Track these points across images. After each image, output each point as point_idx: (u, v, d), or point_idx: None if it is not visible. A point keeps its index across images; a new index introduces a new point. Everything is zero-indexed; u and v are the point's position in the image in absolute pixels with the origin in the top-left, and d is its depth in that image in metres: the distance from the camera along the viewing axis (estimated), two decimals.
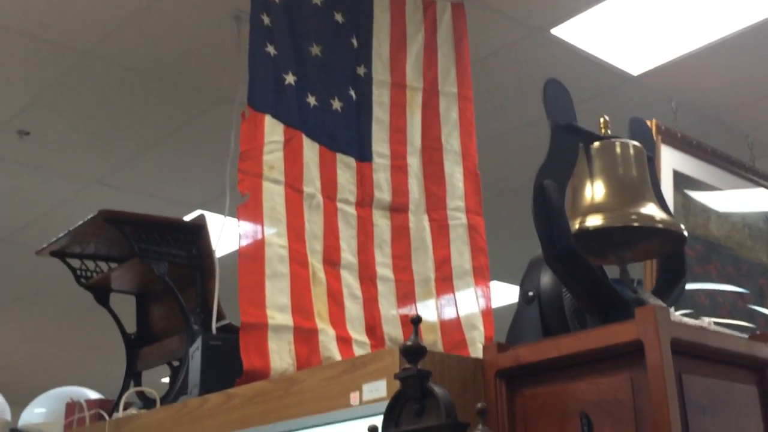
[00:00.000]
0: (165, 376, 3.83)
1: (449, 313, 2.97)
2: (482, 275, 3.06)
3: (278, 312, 2.54)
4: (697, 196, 3.62)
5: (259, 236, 2.60)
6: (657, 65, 4.21)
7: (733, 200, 3.82)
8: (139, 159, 5.02)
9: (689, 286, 2.62)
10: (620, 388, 1.77)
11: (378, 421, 1.73)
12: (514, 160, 4.90)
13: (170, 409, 2.57)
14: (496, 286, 3.25)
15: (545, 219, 1.93)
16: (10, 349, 7.61)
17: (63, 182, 5.23)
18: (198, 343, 2.60)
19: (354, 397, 1.97)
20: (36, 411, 4.29)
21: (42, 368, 6.76)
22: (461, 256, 3.05)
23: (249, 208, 2.62)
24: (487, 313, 3.03)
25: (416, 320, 1.66)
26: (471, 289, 3.02)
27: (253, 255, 2.58)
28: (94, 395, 4.21)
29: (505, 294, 5.64)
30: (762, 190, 4.00)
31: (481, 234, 3.12)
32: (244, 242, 2.59)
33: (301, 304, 2.59)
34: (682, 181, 3.54)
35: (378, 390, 1.92)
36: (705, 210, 3.66)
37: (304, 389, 2.12)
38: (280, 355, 2.49)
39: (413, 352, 1.62)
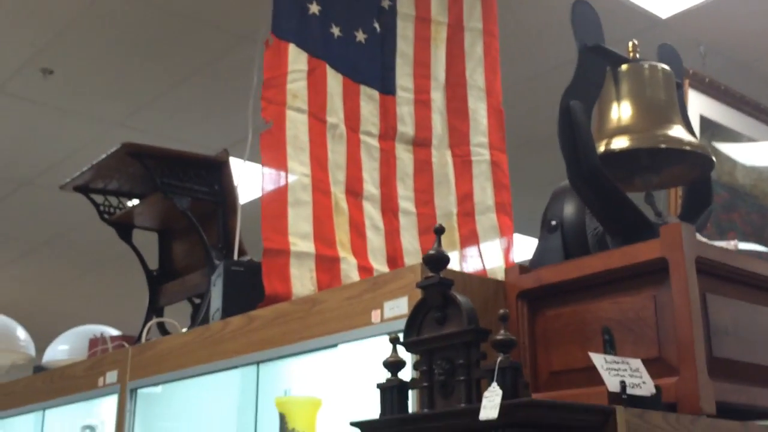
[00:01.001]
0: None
1: (471, 249, 2.97)
2: (504, 211, 3.05)
3: (300, 239, 2.54)
4: (724, 142, 3.57)
5: (283, 164, 2.60)
6: (686, 8, 4.14)
7: (761, 149, 3.77)
8: (161, 101, 5.02)
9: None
10: (643, 306, 1.76)
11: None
12: (539, 107, 4.85)
13: (192, 334, 2.59)
14: (517, 238, 3.22)
15: (571, 139, 1.91)
16: (34, 293, 7.69)
17: (85, 124, 5.24)
18: (220, 269, 2.61)
19: (375, 315, 1.98)
20: (59, 348, 4.33)
21: (65, 310, 6.83)
22: (484, 191, 3.03)
23: (273, 136, 2.62)
24: (508, 249, 3.02)
25: (439, 230, 1.66)
26: (493, 225, 3.01)
27: (276, 182, 2.58)
28: (116, 333, 4.26)
29: (526, 246, 5.62)
30: None
31: (504, 170, 3.10)
32: (268, 170, 2.59)
33: (323, 232, 2.59)
34: (708, 126, 3.49)
35: (399, 307, 1.92)
36: (731, 157, 3.62)
37: (325, 309, 2.12)
38: (302, 281, 2.49)
39: (436, 260, 1.62)
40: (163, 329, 3.66)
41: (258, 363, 2.32)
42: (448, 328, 1.57)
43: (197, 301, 3.73)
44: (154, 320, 3.39)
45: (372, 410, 1.73)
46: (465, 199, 3.01)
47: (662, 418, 1.55)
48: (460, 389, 1.53)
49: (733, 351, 1.73)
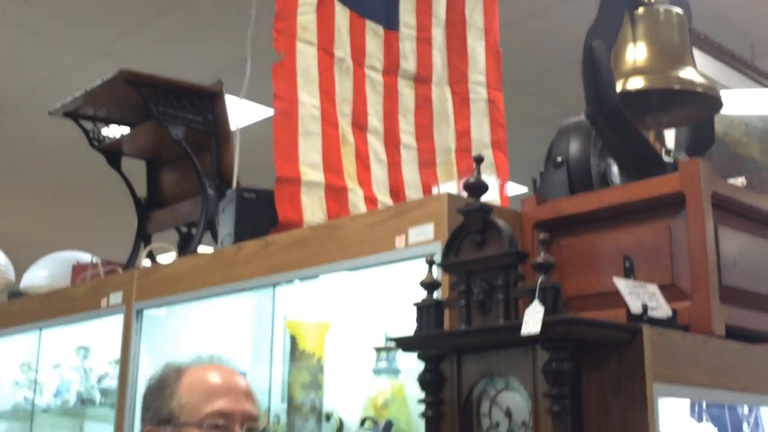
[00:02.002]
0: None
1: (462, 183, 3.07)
2: (500, 149, 3.15)
3: (311, 168, 2.61)
4: None
5: (293, 95, 2.65)
6: None
7: (734, 97, 3.92)
8: (142, 29, 4.97)
9: None
10: (658, 235, 1.89)
11: (424, 264, 1.82)
12: (533, 47, 4.92)
13: (203, 257, 2.66)
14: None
15: (593, 78, 2.01)
16: (14, 218, 7.54)
17: (62, 50, 5.17)
18: (231, 196, 2.67)
19: (399, 240, 2.07)
20: (39, 273, 4.34)
21: (40, 238, 6.74)
22: (480, 129, 3.13)
23: (284, 68, 2.67)
24: (503, 186, 3.13)
25: (479, 159, 1.74)
26: (489, 162, 3.11)
27: (287, 113, 2.64)
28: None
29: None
30: (762, 89, 4.09)
31: (500, 109, 3.19)
32: (279, 100, 2.64)
33: (332, 163, 2.67)
34: None
35: (425, 233, 2.01)
36: None
37: (346, 235, 2.21)
38: (313, 209, 2.58)
39: (476, 187, 1.71)
40: (151, 257, 3.71)
41: (274, 286, 2.40)
42: (488, 251, 1.67)
43: (184, 229, 3.79)
44: (153, 245, 3.43)
45: (392, 333, 1.84)
46: (463, 135, 3.10)
47: (680, 338, 1.69)
48: (498, 308, 1.64)
49: (741, 280, 1.87)
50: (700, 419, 2.17)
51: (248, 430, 1.46)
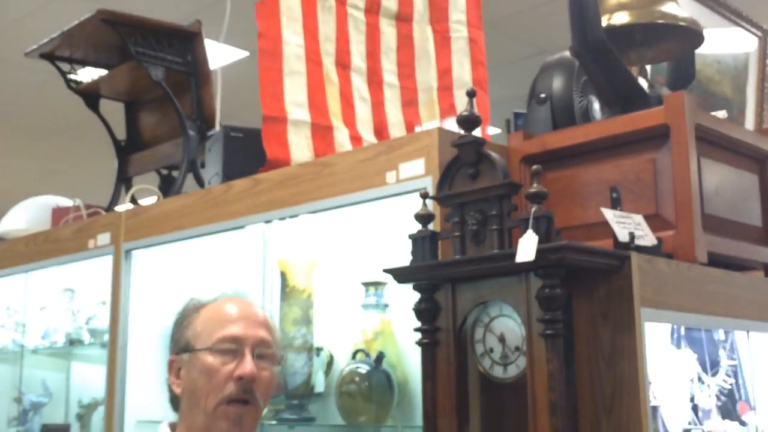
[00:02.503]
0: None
1: (450, 122, 3.10)
2: (481, 87, 3.18)
3: (296, 107, 2.63)
4: None
5: (277, 33, 2.66)
6: None
7: (707, 35, 3.96)
8: None
9: None
10: (642, 168, 1.94)
11: (414, 198, 1.87)
12: None
13: (192, 196, 2.68)
14: None
15: (579, 12, 2.04)
16: None
17: None
18: (218, 135, 2.68)
19: (390, 176, 2.11)
20: (18, 218, 4.31)
21: (22, 185, 6.66)
22: (462, 67, 3.15)
23: (267, 6, 2.66)
24: (484, 124, 3.17)
25: (471, 93, 1.78)
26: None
27: (271, 52, 2.64)
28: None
29: None
30: (734, 27, 4.14)
31: (480, 47, 3.21)
32: (263, 39, 2.64)
33: (317, 102, 2.69)
34: None
35: (416, 168, 2.05)
36: None
37: (337, 171, 2.24)
38: (300, 148, 2.60)
39: (469, 120, 1.75)
40: (133, 201, 3.71)
41: (264, 223, 2.43)
42: (482, 183, 1.71)
43: (164, 172, 3.80)
44: (136, 187, 3.44)
45: (382, 268, 1.88)
46: (444, 74, 3.12)
47: (665, 264, 1.76)
48: (492, 237, 1.70)
49: (722, 210, 1.94)
50: (678, 346, 2.26)
51: (260, 355, 1.50)
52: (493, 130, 5.55)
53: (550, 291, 1.59)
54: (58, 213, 3.82)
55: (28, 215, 4.23)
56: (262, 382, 1.50)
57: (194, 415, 1.50)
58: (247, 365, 1.47)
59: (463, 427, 1.74)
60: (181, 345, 1.55)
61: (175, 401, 1.60)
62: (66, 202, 4.01)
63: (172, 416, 2.73)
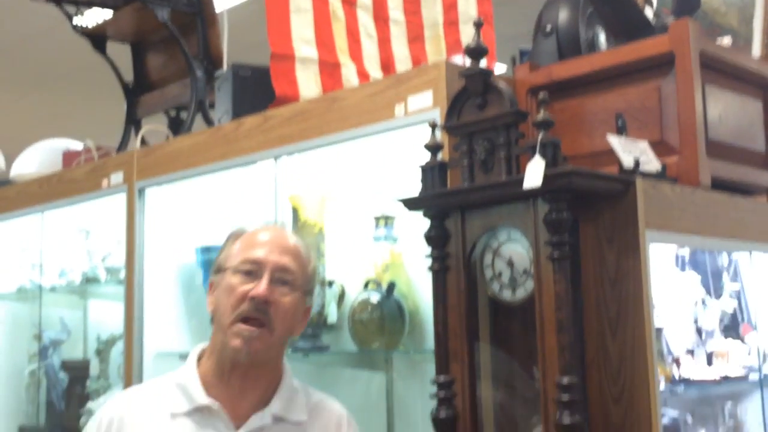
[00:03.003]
0: None
1: (457, 58, 3.12)
2: (487, 21, 3.18)
3: (304, 44, 2.65)
4: None
5: None
6: None
7: None
8: None
9: None
10: (648, 96, 1.98)
11: (423, 131, 1.90)
12: None
13: (203, 134, 2.72)
14: None
15: None
16: None
17: None
18: (227, 74, 2.71)
19: (399, 109, 2.14)
20: (29, 162, 4.36)
21: (31, 130, 6.67)
22: (467, 2, 3.16)
23: None
24: (490, 58, 3.18)
25: (478, 23, 1.80)
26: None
27: None
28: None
29: None
30: None
31: None
32: None
33: (324, 39, 2.71)
34: None
35: (424, 101, 2.09)
36: None
37: (346, 106, 2.27)
38: (308, 84, 2.63)
39: (477, 50, 1.77)
40: (143, 142, 3.75)
41: (275, 159, 2.47)
42: (489, 112, 1.75)
43: (173, 113, 3.83)
44: (146, 127, 3.47)
45: (390, 201, 1.93)
46: (450, 8, 3.13)
47: (669, 189, 1.80)
48: (501, 165, 1.74)
49: (726, 135, 1.98)
50: (683, 269, 2.32)
51: (280, 280, 1.55)
52: (499, 68, 5.56)
53: (557, 215, 1.63)
54: (68, 156, 3.86)
55: (38, 159, 4.27)
56: (280, 306, 1.55)
57: (216, 332, 1.57)
58: (261, 286, 1.52)
59: (473, 349, 1.81)
60: (216, 267, 1.62)
61: (213, 320, 1.67)
62: (76, 145, 4.05)
63: (189, 347, 2.82)
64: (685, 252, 2.30)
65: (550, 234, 1.64)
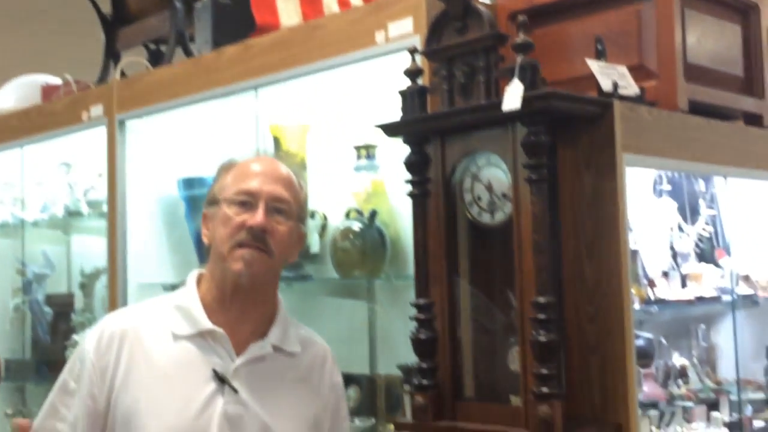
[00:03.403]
0: None
1: None
2: None
3: None
4: None
5: None
6: None
7: None
8: None
9: None
10: (627, 20, 1.98)
11: (403, 58, 1.90)
12: None
13: (183, 65, 2.71)
14: None
15: None
16: None
17: None
18: (206, 3, 2.68)
19: (379, 36, 2.13)
20: (7, 97, 4.30)
21: (6, 66, 6.58)
22: None
23: None
24: None
25: None
26: None
27: None
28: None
29: None
30: None
31: None
32: None
33: None
34: None
35: (404, 27, 2.08)
36: None
37: (326, 33, 2.26)
38: (288, 13, 2.61)
39: None
40: (122, 76, 3.72)
41: (256, 89, 2.47)
42: (469, 36, 1.75)
43: (152, 46, 3.79)
44: (125, 60, 3.44)
45: (371, 131, 1.94)
46: None
47: (647, 112, 1.82)
48: (480, 89, 1.75)
49: (704, 59, 1.99)
50: (660, 195, 2.35)
51: (276, 209, 1.56)
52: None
53: (536, 138, 1.65)
54: (47, 90, 3.83)
55: (16, 94, 4.21)
56: (277, 234, 1.57)
57: (215, 262, 1.58)
58: (258, 216, 1.53)
59: (452, 272, 1.84)
60: (210, 199, 1.62)
61: (208, 252, 1.68)
62: (55, 80, 4.01)
63: (173, 278, 2.84)
64: (663, 179, 2.34)
65: (528, 157, 1.66)
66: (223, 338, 1.55)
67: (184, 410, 1.50)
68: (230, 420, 1.51)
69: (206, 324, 1.55)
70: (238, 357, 1.55)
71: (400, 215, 2.52)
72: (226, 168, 1.65)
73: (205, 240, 1.63)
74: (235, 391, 1.53)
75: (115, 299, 2.88)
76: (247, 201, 1.56)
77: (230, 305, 1.57)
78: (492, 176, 1.80)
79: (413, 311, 1.85)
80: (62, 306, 3.53)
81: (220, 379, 1.53)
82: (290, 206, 1.59)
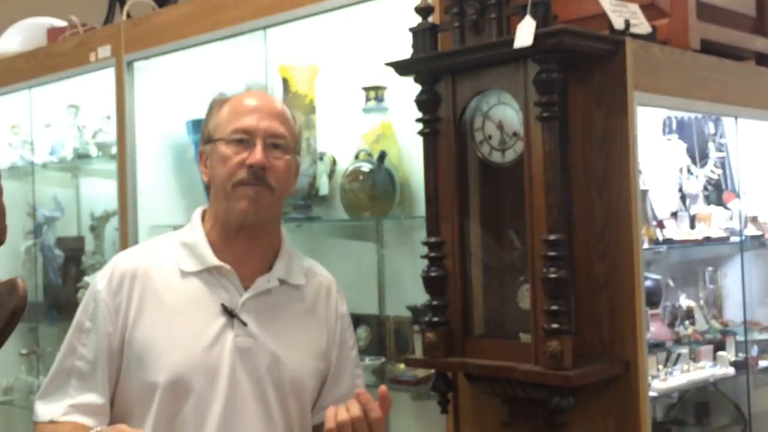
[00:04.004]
0: None
1: None
2: None
3: None
4: None
5: None
6: None
7: None
8: None
9: None
10: None
11: None
12: None
13: (191, 4, 2.68)
14: None
15: None
16: None
17: None
18: None
19: None
20: (13, 40, 4.28)
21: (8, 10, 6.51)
22: None
23: None
24: None
25: None
26: None
27: None
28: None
29: None
30: None
31: None
32: None
33: None
34: None
35: None
36: None
37: None
38: None
39: None
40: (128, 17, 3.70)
41: (265, 29, 2.45)
42: None
43: None
44: (131, 1, 3.41)
45: (380, 71, 1.93)
46: None
47: (659, 50, 1.81)
48: (491, 26, 1.74)
49: None
50: (669, 137, 2.35)
51: (273, 145, 1.57)
52: None
53: (547, 75, 1.65)
54: (53, 33, 3.80)
55: (22, 36, 4.18)
56: (276, 170, 1.57)
57: (218, 200, 1.59)
58: (257, 154, 1.54)
59: (463, 210, 1.85)
60: (205, 137, 1.62)
61: (208, 189, 1.69)
62: (60, 22, 3.98)
63: (183, 220, 2.85)
64: (672, 121, 2.33)
65: (540, 95, 1.66)
66: (231, 273, 1.57)
67: (195, 345, 1.53)
68: (241, 352, 1.54)
69: (213, 260, 1.57)
70: (246, 291, 1.57)
71: (409, 157, 2.52)
72: (218, 103, 1.63)
73: (204, 178, 1.63)
74: (244, 324, 1.55)
75: (126, 242, 2.90)
76: (244, 139, 1.56)
77: (235, 242, 1.59)
78: (503, 115, 1.80)
79: (422, 252, 1.86)
80: (73, 249, 3.56)
81: (229, 313, 1.55)
82: (287, 141, 1.60)
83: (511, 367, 1.73)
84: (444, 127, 1.84)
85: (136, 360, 1.54)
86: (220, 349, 1.54)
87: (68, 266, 3.60)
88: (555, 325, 1.65)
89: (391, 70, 1.89)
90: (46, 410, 1.56)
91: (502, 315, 1.87)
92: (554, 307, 1.65)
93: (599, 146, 1.76)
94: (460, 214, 1.84)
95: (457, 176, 1.83)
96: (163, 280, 1.57)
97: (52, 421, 1.54)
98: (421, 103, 1.85)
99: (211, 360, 1.53)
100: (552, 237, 1.65)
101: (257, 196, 1.55)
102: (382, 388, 1.47)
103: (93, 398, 1.54)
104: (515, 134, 1.78)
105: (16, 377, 3.63)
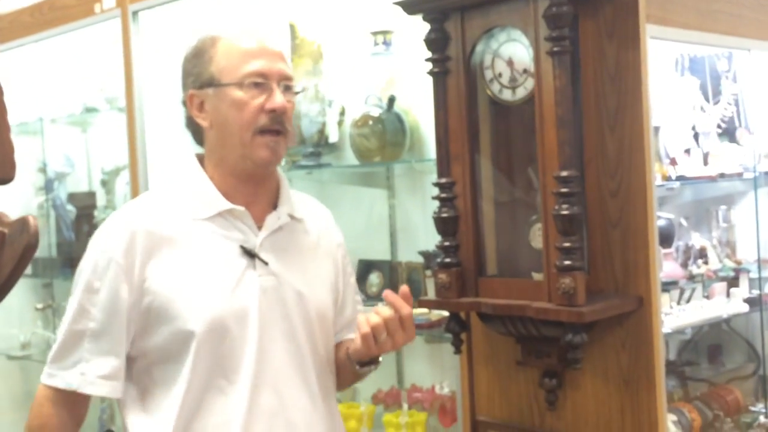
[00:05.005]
0: None
1: None
2: None
3: None
4: None
5: None
6: None
7: None
8: None
9: None
10: None
11: None
12: None
13: None
14: None
15: None
16: None
17: None
18: None
19: None
20: None
21: None
22: None
23: None
24: None
25: None
26: None
27: None
28: None
29: None
30: None
31: None
32: None
33: None
34: None
35: None
36: None
37: None
38: None
39: None
40: None
41: None
42: None
43: None
44: None
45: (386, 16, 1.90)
46: None
47: None
48: None
49: None
50: (682, 73, 2.32)
51: (285, 87, 1.55)
52: None
53: (558, 9, 1.62)
54: None
55: None
56: (289, 112, 1.56)
57: (227, 146, 1.55)
58: (278, 98, 1.52)
59: (473, 150, 1.84)
60: (203, 79, 1.56)
61: (198, 135, 1.64)
62: None
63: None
64: (685, 56, 2.30)
65: (551, 29, 1.64)
66: (245, 215, 1.55)
67: (221, 289, 1.51)
68: (266, 292, 1.53)
69: (225, 204, 1.54)
70: (260, 231, 1.57)
71: (418, 102, 2.51)
72: (210, 44, 1.58)
73: (203, 123, 1.57)
74: (266, 263, 1.54)
75: (138, 195, 2.90)
76: (260, 83, 1.53)
77: (245, 185, 1.57)
78: (513, 52, 1.78)
79: (432, 196, 1.85)
80: (85, 204, 3.58)
81: (249, 254, 1.54)
82: (293, 81, 1.59)
83: (524, 305, 1.73)
84: (453, 66, 1.82)
85: (163, 312, 1.50)
86: (246, 290, 1.52)
87: (80, 222, 3.61)
88: (567, 262, 1.64)
89: (399, 13, 1.86)
90: (59, 378, 1.52)
91: (514, 254, 1.87)
92: (567, 244, 1.64)
93: (611, 81, 1.73)
94: (470, 154, 1.83)
95: (467, 116, 1.82)
96: (174, 231, 1.54)
97: (63, 389, 1.52)
98: (429, 42, 1.83)
99: (239, 303, 1.52)
100: (564, 173, 1.64)
101: (277, 145, 1.53)
102: (404, 287, 1.49)
103: (108, 360, 1.51)
104: (525, 71, 1.76)
105: (33, 332, 3.67)
